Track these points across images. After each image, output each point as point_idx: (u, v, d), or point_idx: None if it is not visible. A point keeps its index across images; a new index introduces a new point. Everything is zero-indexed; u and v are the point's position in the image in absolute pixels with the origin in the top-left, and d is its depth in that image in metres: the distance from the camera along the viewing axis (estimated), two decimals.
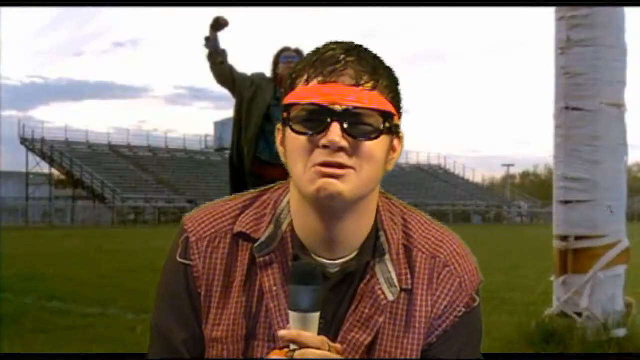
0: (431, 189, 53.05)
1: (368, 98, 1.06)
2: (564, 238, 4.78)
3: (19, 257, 12.17)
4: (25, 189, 41.76)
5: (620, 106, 4.79)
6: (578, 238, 4.73)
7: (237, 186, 4.77)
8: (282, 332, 1.00)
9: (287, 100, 1.09)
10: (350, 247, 1.12)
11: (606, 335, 4.45)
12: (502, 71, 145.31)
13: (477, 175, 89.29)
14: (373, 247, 1.13)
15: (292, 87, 1.10)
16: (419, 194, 51.70)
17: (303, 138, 1.06)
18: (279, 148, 1.14)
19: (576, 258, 4.72)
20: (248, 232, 1.14)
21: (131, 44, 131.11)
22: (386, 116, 1.07)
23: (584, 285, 4.61)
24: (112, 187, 39.50)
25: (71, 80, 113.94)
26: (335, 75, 1.06)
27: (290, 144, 1.08)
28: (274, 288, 1.10)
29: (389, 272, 1.12)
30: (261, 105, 4.83)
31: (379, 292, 1.11)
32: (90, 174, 40.72)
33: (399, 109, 1.11)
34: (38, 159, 42.79)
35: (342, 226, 1.10)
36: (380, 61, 1.11)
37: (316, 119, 1.05)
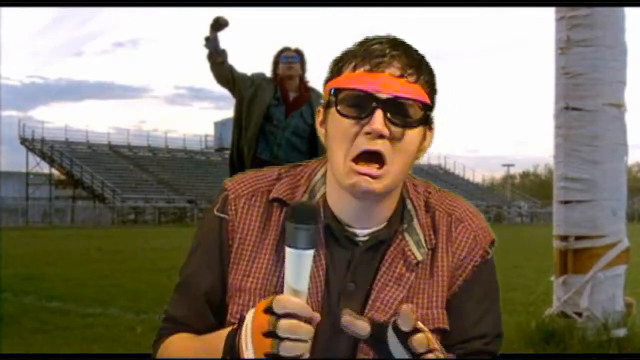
0: None
1: (410, 89, 1.12)
2: (564, 238, 4.78)
3: (19, 257, 12.17)
4: (25, 189, 41.73)
5: (620, 106, 4.79)
6: (578, 238, 4.73)
7: None
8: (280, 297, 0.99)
9: (335, 84, 1.15)
10: (380, 219, 1.19)
11: (606, 335, 4.46)
12: (502, 71, 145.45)
13: (477, 175, 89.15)
14: (401, 215, 1.21)
15: (338, 72, 1.16)
16: None
17: (347, 121, 1.12)
18: (319, 129, 1.21)
19: (576, 258, 4.72)
20: (283, 198, 1.20)
21: (131, 44, 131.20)
22: (425, 107, 1.14)
23: (584, 285, 4.61)
24: (112, 187, 39.47)
25: (71, 80, 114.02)
26: (382, 66, 1.12)
27: (334, 127, 1.15)
28: None
29: (417, 234, 1.20)
30: (261, 105, 4.83)
31: (409, 252, 1.18)
32: (90, 174, 40.70)
33: (434, 102, 1.18)
34: (38, 159, 42.77)
35: (373, 206, 1.18)
36: (423, 57, 1.18)
37: (361, 105, 1.12)
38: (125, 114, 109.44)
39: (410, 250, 1.18)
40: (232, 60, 4.88)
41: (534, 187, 66.63)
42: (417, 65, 1.14)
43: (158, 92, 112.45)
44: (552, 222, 5.01)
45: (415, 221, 1.20)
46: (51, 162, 42.58)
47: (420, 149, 1.18)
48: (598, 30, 4.72)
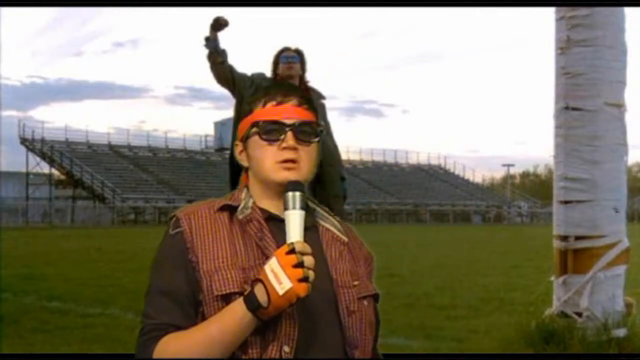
0: (431, 189, 53.04)
1: (307, 114, 1.57)
2: (564, 238, 4.78)
3: (19, 257, 12.19)
4: (25, 189, 41.76)
5: (620, 106, 4.79)
6: (578, 238, 4.73)
7: (237, 186, 4.77)
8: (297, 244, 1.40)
9: (253, 119, 1.57)
10: None
11: (606, 335, 4.46)
12: (502, 71, 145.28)
13: (477, 175, 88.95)
14: (312, 213, 1.60)
15: (250, 111, 1.59)
16: (419, 194, 51.64)
17: (267, 144, 1.54)
18: (238, 157, 1.62)
19: (576, 258, 4.72)
20: (228, 202, 1.57)
21: (131, 44, 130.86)
22: (319, 126, 1.60)
23: (584, 285, 4.61)
24: (112, 187, 39.50)
25: (71, 80, 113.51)
26: (286, 100, 1.56)
27: (257, 149, 1.55)
28: (259, 234, 1.52)
29: (335, 226, 1.62)
30: None
31: (336, 237, 1.60)
32: (90, 174, 40.73)
33: (319, 124, 1.62)
34: (38, 159, 42.81)
35: None
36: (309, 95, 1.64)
37: (276, 130, 1.54)
38: (125, 114, 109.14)
39: (336, 235, 1.60)
40: (232, 60, 4.88)
41: (534, 187, 66.68)
42: (307, 98, 1.59)
43: (158, 92, 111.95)
44: (552, 222, 5.01)
45: (331, 219, 1.62)
46: (51, 162, 42.61)
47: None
48: (598, 30, 4.72)
